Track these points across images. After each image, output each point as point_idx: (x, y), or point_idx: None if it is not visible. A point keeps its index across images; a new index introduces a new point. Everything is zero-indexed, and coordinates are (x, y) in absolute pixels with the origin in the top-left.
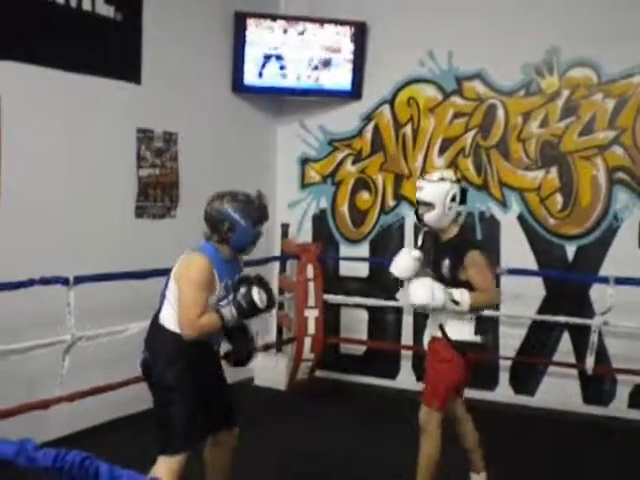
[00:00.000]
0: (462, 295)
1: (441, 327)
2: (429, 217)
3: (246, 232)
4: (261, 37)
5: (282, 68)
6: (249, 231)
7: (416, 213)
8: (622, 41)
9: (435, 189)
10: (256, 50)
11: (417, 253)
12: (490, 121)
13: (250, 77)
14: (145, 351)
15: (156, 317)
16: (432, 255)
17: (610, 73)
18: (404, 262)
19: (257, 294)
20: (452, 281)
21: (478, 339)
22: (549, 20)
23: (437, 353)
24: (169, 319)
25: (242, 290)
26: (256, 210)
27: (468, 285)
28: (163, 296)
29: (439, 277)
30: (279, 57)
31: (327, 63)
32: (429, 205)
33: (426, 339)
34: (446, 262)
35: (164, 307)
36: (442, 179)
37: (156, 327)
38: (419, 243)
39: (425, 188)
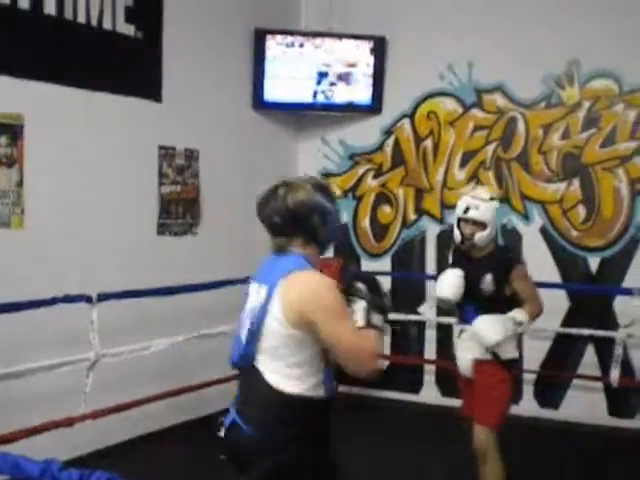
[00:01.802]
0: (521, 315)
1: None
2: (480, 237)
3: (336, 221)
4: (281, 53)
5: (302, 83)
6: (338, 219)
7: (457, 230)
8: None
9: (488, 208)
10: (276, 66)
11: (460, 272)
12: (511, 133)
13: (270, 93)
14: (241, 424)
15: (252, 373)
16: (466, 272)
17: (631, 83)
18: (453, 283)
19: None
20: (496, 297)
21: (517, 354)
22: (569, 31)
23: (489, 375)
24: (284, 380)
25: (369, 290)
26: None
27: (511, 299)
28: (256, 353)
29: (476, 293)
30: (299, 73)
31: (347, 78)
32: (481, 224)
33: (466, 361)
34: (488, 278)
35: (270, 366)
36: (492, 198)
37: (262, 393)
38: (450, 261)
39: (480, 207)
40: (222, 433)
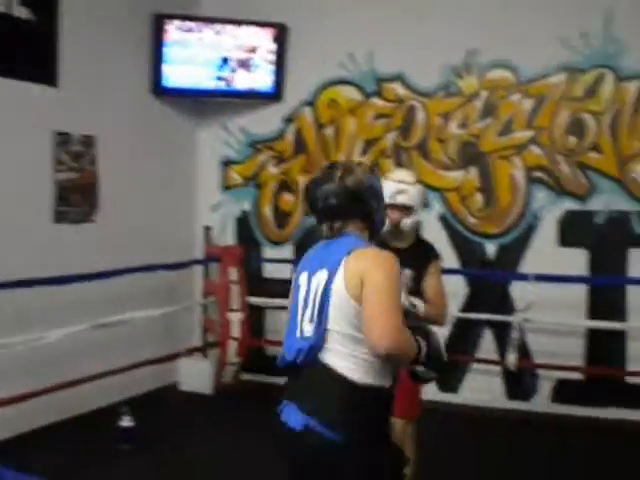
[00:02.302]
0: (419, 302)
1: None
2: (407, 223)
3: (383, 208)
4: (180, 39)
5: (202, 70)
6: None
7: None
8: (538, 42)
9: (416, 191)
10: (176, 52)
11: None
12: (410, 122)
13: (169, 79)
14: (320, 430)
15: (319, 368)
16: None
17: (527, 74)
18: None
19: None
20: (415, 293)
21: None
22: (467, 22)
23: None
24: (360, 371)
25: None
26: None
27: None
28: (322, 345)
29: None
30: (199, 58)
31: (248, 65)
32: (409, 209)
33: None
34: (407, 273)
35: (333, 349)
36: (417, 180)
37: (338, 391)
38: None
39: (409, 191)
40: (285, 439)
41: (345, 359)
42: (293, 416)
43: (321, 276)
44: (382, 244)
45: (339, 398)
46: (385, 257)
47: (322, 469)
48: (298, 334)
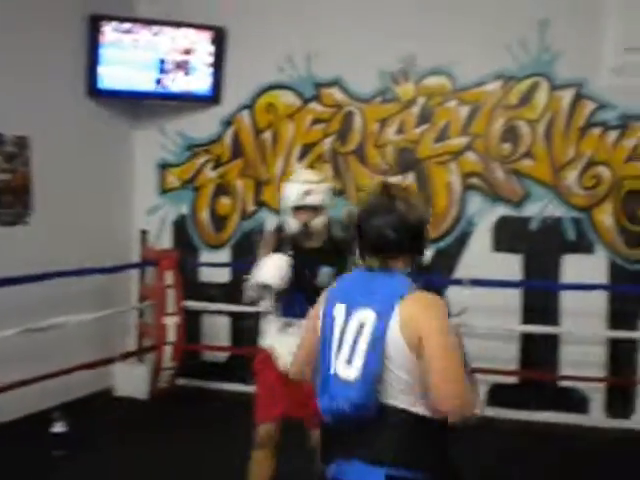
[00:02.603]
0: None
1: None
2: (317, 223)
3: None
4: (117, 40)
5: (139, 72)
6: None
7: (292, 219)
8: (474, 50)
9: (323, 190)
10: (112, 53)
11: (285, 257)
12: (348, 127)
13: (105, 81)
14: (392, 475)
15: (377, 412)
16: (297, 264)
17: (463, 81)
18: (277, 268)
19: None
20: None
21: None
22: (405, 28)
23: None
24: (408, 399)
25: None
26: None
27: None
28: (371, 379)
29: (308, 286)
30: (136, 60)
31: (186, 67)
32: (318, 209)
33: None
34: (326, 270)
35: (387, 390)
36: (324, 179)
37: (394, 423)
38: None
39: (315, 191)
40: None
41: (403, 395)
42: (361, 474)
43: (366, 316)
44: (294, 245)
45: (413, 435)
46: (439, 306)
47: None
48: (334, 373)
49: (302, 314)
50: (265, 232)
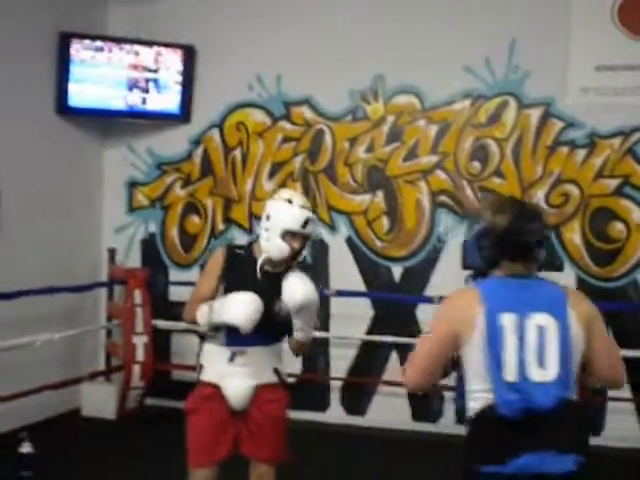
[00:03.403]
0: None
1: (278, 371)
2: (304, 254)
3: None
4: (87, 58)
5: (109, 90)
6: None
7: (282, 243)
8: (444, 69)
9: (315, 220)
10: (82, 71)
11: (255, 296)
12: (318, 146)
13: (75, 99)
14: (579, 461)
15: (564, 406)
16: (258, 290)
17: (432, 100)
18: (254, 311)
19: None
20: (288, 321)
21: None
22: (374, 47)
23: (281, 403)
24: (575, 395)
25: None
26: None
27: None
28: (567, 375)
29: (267, 315)
30: (106, 78)
31: (155, 86)
32: (307, 239)
33: (243, 389)
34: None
35: (570, 381)
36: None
37: (575, 416)
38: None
39: (312, 220)
40: None
41: (574, 387)
42: (556, 462)
43: (545, 320)
44: (261, 268)
45: (584, 425)
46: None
47: None
48: (511, 379)
49: (254, 342)
50: (216, 250)
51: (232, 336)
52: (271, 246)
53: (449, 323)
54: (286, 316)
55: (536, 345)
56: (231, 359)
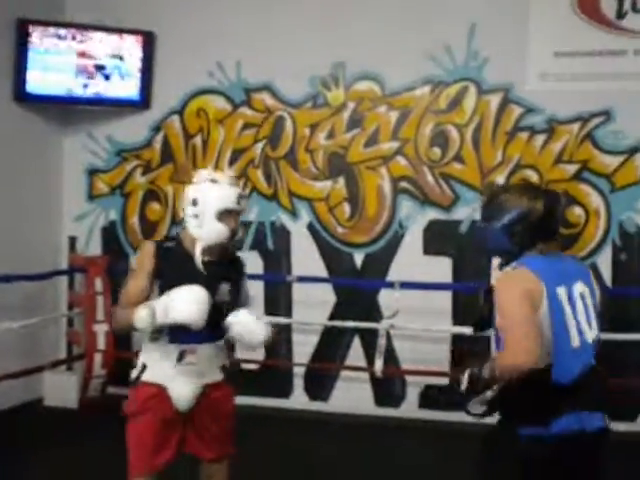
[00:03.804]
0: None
1: (224, 367)
2: (240, 233)
3: None
4: (45, 45)
5: (67, 76)
6: None
7: (220, 224)
8: (404, 56)
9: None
10: (40, 58)
11: (202, 290)
12: (279, 132)
13: (33, 85)
14: (606, 420)
15: (593, 370)
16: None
17: (393, 86)
18: (203, 305)
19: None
20: (232, 308)
21: None
22: (335, 34)
23: (229, 399)
24: None
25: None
26: None
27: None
28: (597, 340)
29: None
30: (65, 65)
31: (115, 72)
32: (239, 216)
33: (189, 390)
34: (224, 288)
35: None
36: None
37: (600, 380)
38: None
39: (244, 196)
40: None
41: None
42: (591, 420)
43: (582, 289)
44: (203, 260)
45: (605, 386)
46: None
47: (604, 456)
48: (577, 344)
49: (202, 339)
50: (143, 247)
51: (178, 334)
52: (206, 232)
53: (528, 298)
54: (230, 307)
55: (584, 312)
56: (179, 359)
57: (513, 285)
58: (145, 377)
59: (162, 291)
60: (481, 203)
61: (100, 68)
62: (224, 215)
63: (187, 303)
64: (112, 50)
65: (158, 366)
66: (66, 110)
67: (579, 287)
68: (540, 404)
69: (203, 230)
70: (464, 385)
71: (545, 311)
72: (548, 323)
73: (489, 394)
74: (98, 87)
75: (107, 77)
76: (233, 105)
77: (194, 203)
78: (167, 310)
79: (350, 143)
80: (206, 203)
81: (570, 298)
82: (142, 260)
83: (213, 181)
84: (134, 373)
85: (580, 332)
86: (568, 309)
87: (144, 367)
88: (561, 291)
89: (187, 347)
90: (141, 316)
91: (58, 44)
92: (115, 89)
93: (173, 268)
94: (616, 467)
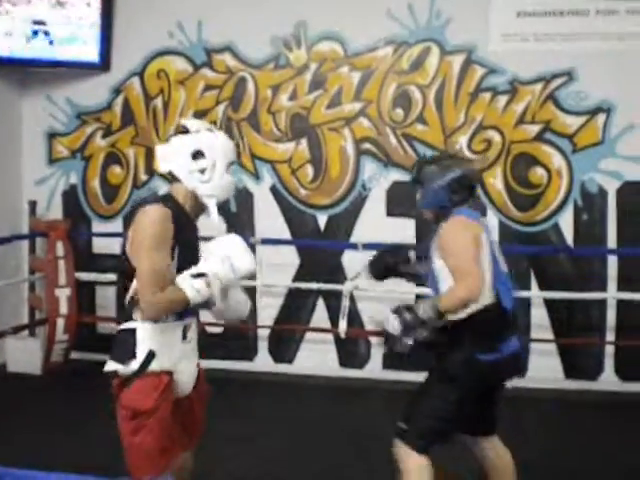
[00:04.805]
0: None
1: None
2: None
3: None
4: (3, 5)
5: (25, 38)
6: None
7: (230, 177)
8: (366, 16)
9: None
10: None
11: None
12: (241, 94)
13: None
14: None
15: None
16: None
17: (355, 47)
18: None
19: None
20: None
21: None
22: None
23: (204, 381)
24: None
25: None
26: None
27: None
28: None
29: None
30: (22, 27)
31: (73, 33)
32: None
33: (194, 372)
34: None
35: None
36: None
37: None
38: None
39: None
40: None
41: None
42: (517, 344)
43: (491, 236)
44: (187, 216)
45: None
46: None
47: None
48: (505, 281)
49: (192, 309)
50: (158, 215)
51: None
52: (219, 187)
53: (475, 241)
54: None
55: (499, 253)
56: (184, 335)
57: (463, 230)
58: (156, 366)
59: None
60: (414, 172)
61: (59, 29)
62: (229, 168)
63: (247, 252)
64: (71, 11)
65: (167, 350)
66: (24, 72)
67: (489, 234)
68: (494, 331)
69: (213, 185)
70: (398, 327)
71: (485, 251)
72: (488, 260)
73: (424, 333)
74: (57, 49)
75: (66, 39)
76: (194, 66)
77: (198, 155)
78: (232, 268)
79: (313, 104)
80: (214, 155)
81: (491, 242)
82: (161, 230)
83: (211, 130)
84: (135, 363)
85: (503, 269)
86: (490, 251)
87: (151, 354)
88: (485, 237)
89: (190, 321)
90: (198, 289)
91: (14, 5)
92: (74, 51)
93: (183, 233)
94: (577, 426)
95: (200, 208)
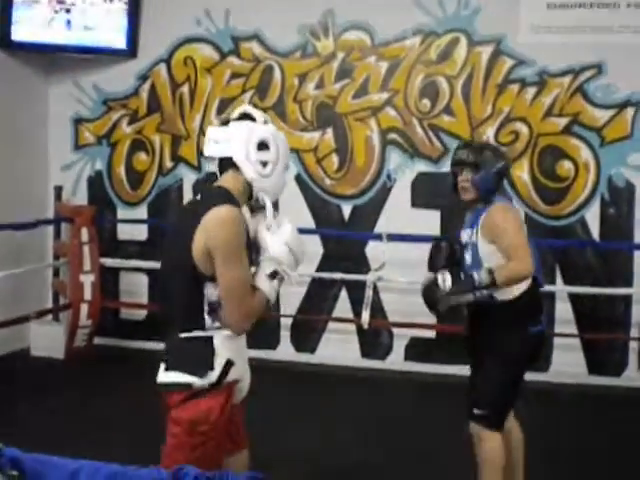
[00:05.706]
0: None
1: None
2: None
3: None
4: None
5: (53, 24)
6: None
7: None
8: (394, 5)
9: None
10: (26, 6)
11: None
12: (267, 82)
13: (19, 33)
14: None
15: None
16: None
17: (382, 37)
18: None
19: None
20: None
21: None
22: None
23: None
24: None
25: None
26: None
27: None
28: None
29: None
30: (51, 12)
31: (102, 20)
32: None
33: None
34: None
35: None
36: None
37: None
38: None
39: None
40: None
41: None
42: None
43: None
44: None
45: None
46: None
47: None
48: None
49: None
50: (233, 217)
51: None
52: (276, 184)
53: (522, 224)
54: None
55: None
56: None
57: (514, 214)
58: (231, 376)
59: None
60: (467, 154)
61: (87, 16)
62: (286, 170)
63: (301, 239)
64: None
65: (240, 358)
66: (52, 58)
67: None
68: (539, 305)
69: (272, 181)
70: (449, 283)
71: (526, 234)
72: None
73: (470, 298)
74: (84, 35)
75: (94, 25)
76: (221, 54)
77: (262, 146)
78: (296, 258)
79: (339, 94)
80: (279, 151)
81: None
82: (240, 235)
83: (267, 123)
84: (213, 374)
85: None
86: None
87: (229, 364)
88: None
89: None
90: (276, 289)
91: None
92: (101, 37)
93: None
94: (600, 422)
95: (244, 202)
